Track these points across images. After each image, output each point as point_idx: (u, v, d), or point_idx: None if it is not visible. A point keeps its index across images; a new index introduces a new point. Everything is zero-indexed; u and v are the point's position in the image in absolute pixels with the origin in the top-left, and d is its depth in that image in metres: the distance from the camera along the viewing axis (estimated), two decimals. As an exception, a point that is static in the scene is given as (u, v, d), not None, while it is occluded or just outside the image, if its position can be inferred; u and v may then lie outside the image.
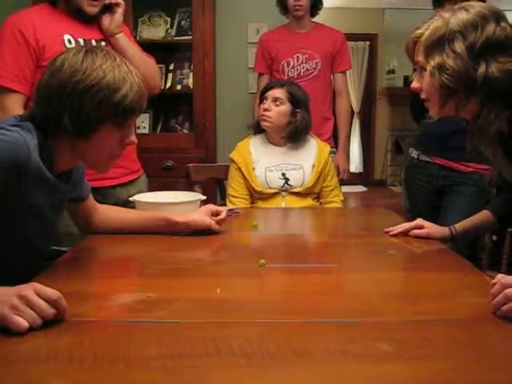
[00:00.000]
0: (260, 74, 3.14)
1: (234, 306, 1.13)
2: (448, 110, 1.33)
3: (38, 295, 0.94)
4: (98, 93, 1.25)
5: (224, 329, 1.00)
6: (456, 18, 1.29)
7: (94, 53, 1.28)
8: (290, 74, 3.00)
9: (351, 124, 3.25)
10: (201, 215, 1.68)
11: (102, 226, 1.68)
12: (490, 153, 1.45)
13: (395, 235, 1.67)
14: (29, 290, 0.94)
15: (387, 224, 1.75)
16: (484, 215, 1.69)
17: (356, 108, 8.18)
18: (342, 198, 2.47)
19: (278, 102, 2.35)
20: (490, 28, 1.25)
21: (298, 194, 2.33)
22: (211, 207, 1.73)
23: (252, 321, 1.04)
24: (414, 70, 1.46)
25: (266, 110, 2.34)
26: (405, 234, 1.67)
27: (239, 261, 1.50)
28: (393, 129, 8.06)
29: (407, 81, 7.78)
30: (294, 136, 2.37)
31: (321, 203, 2.41)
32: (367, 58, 8.10)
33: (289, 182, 2.32)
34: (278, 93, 2.36)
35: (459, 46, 1.27)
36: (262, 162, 2.34)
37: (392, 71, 7.92)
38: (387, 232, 1.69)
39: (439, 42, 1.29)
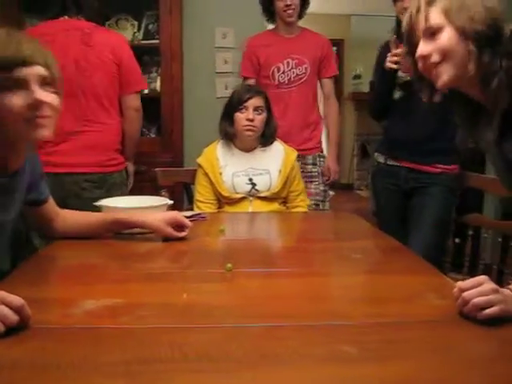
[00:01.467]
0: (245, 79, 3.09)
1: (201, 310, 1.13)
2: (464, 73, 1.30)
3: (1, 302, 0.92)
4: None
5: (190, 334, 1.00)
6: None
7: None
8: (280, 79, 2.98)
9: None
10: (162, 224, 1.66)
11: (63, 231, 1.67)
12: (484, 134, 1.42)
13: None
14: None
15: (353, 228, 1.77)
16: None
17: (323, 113, 8.23)
18: (308, 202, 2.50)
19: (259, 111, 2.36)
20: None
21: (264, 198, 2.34)
22: (176, 218, 1.69)
23: (218, 325, 1.04)
24: (409, 55, 1.42)
25: (250, 120, 2.32)
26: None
27: (206, 265, 1.49)
28: (359, 133, 8.16)
29: (373, 86, 7.90)
30: (268, 141, 2.41)
31: (287, 207, 2.43)
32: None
33: (256, 187, 2.33)
34: (258, 101, 2.35)
35: (490, 2, 1.28)
36: (229, 167, 2.34)
37: (358, 76, 8.02)
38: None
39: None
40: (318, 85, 3.12)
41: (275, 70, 2.98)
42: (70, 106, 2.30)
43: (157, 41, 3.34)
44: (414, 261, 1.51)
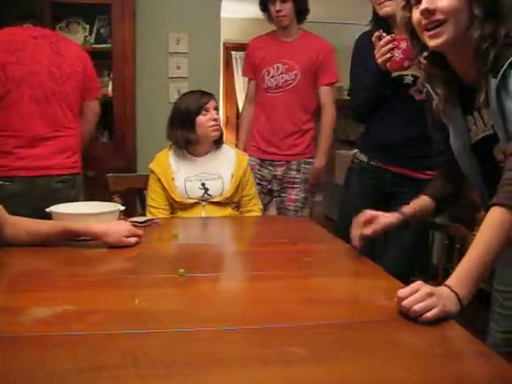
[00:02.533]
0: (249, 80, 3.13)
1: (152, 316, 1.13)
2: (461, 36, 1.31)
3: None
4: None
5: (142, 339, 1.00)
6: None
7: None
8: (269, 83, 2.97)
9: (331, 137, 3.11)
10: (115, 235, 1.65)
11: (13, 239, 1.64)
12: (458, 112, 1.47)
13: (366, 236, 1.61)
14: None
15: (306, 232, 1.80)
16: (424, 200, 1.69)
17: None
18: (260, 206, 2.52)
19: (217, 111, 2.40)
20: None
21: (217, 203, 2.35)
22: (127, 228, 1.70)
23: (169, 330, 1.05)
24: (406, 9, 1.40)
25: (215, 119, 2.35)
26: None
27: (159, 271, 1.50)
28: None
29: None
30: (220, 145, 2.44)
31: (240, 212, 2.45)
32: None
33: (208, 192, 2.34)
34: (214, 102, 2.40)
35: None
36: (182, 172, 2.35)
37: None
38: (355, 246, 1.62)
39: None
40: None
41: (265, 73, 2.98)
42: (44, 112, 2.43)
43: (109, 45, 3.32)
44: (363, 264, 1.55)
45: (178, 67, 3.68)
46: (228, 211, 2.37)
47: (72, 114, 2.57)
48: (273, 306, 1.21)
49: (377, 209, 1.71)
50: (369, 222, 1.60)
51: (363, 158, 2.36)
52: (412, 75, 2.11)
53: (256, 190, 2.53)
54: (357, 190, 2.37)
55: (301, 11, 2.96)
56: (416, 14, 1.34)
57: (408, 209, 1.66)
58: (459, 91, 1.44)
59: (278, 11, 2.88)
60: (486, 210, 1.22)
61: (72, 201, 2.36)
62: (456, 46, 1.34)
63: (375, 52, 2.05)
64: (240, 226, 2.29)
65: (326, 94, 3.03)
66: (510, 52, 1.27)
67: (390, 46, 1.99)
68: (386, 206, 2.08)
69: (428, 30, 1.33)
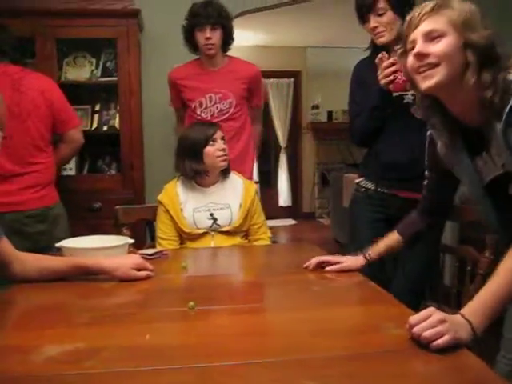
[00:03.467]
0: (177, 109, 3.11)
1: (165, 351, 1.13)
2: (453, 81, 1.34)
3: None
4: None
5: (154, 376, 1.00)
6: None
7: None
8: (203, 114, 2.92)
9: (259, 149, 3.21)
10: (124, 269, 1.66)
11: (22, 275, 1.64)
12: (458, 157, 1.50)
13: (313, 269, 1.77)
14: None
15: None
16: (393, 237, 1.83)
17: (283, 143, 8.35)
18: (269, 234, 2.52)
19: (224, 141, 2.42)
20: None
21: (226, 232, 2.35)
22: (137, 263, 1.70)
23: (183, 366, 1.05)
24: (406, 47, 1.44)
25: (223, 149, 2.37)
26: (320, 267, 1.78)
27: (168, 304, 1.50)
28: (319, 162, 8.28)
29: (331, 115, 8.07)
30: (226, 174, 2.45)
31: (249, 240, 2.45)
32: (292, 93, 8.33)
33: (217, 222, 2.35)
34: (221, 132, 2.41)
35: (488, 25, 1.35)
36: (190, 203, 2.36)
37: (316, 106, 8.16)
38: (306, 267, 1.78)
39: (472, 15, 1.34)
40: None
41: (197, 105, 2.93)
42: (8, 149, 2.42)
43: (115, 78, 3.36)
44: (372, 291, 1.55)
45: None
46: (237, 240, 2.37)
47: (37, 149, 2.61)
48: (285, 338, 1.20)
49: (377, 234, 1.88)
50: (327, 262, 1.78)
51: (370, 185, 2.33)
52: (412, 94, 2.12)
53: (264, 219, 2.53)
54: (366, 219, 2.33)
55: (228, 40, 2.96)
56: (410, 58, 1.38)
57: (374, 252, 1.81)
58: (463, 134, 1.45)
59: (207, 39, 2.84)
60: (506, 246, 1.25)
61: (44, 235, 2.51)
62: (453, 91, 1.36)
63: (378, 73, 2.10)
64: (249, 255, 2.29)
65: (253, 114, 3.10)
66: (507, 96, 1.30)
67: (393, 68, 2.04)
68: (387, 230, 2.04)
69: (420, 73, 1.36)
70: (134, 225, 2.60)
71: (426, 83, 1.35)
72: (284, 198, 8.42)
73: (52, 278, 1.65)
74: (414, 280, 2.23)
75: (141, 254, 1.90)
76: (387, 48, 2.20)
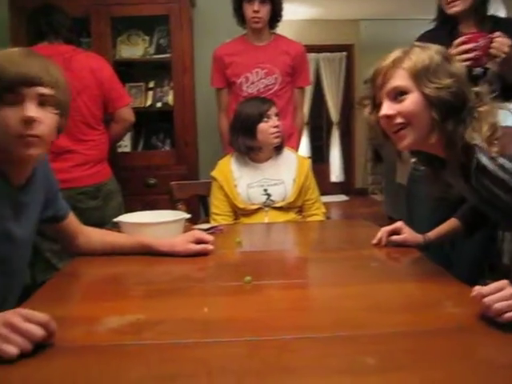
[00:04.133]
0: (218, 90, 3.08)
1: (222, 324, 1.15)
2: (426, 138, 1.35)
3: (28, 320, 0.95)
4: None
5: (213, 348, 1.02)
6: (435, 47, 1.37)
7: None
8: (249, 90, 2.91)
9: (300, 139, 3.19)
10: (184, 243, 1.68)
11: (86, 248, 1.70)
12: (453, 181, 1.51)
13: (382, 245, 1.73)
14: (14, 316, 0.95)
15: (368, 236, 1.78)
16: (453, 223, 1.74)
17: (335, 118, 8.26)
18: (323, 210, 2.50)
19: (279, 117, 2.40)
20: None
21: (280, 208, 2.36)
22: (196, 235, 1.72)
23: (240, 339, 1.06)
24: (374, 103, 1.43)
25: (277, 126, 2.36)
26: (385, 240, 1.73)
27: (225, 278, 1.52)
28: (372, 138, 8.14)
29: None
30: (281, 150, 2.44)
31: (303, 216, 2.45)
32: (344, 68, 8.20)
33: (271, 198, 2.35)
34: (275, 108, 2.40)
35: (456, 67, 1.35)
36: (244, 178, 2.37)
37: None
38: (376, 244, 1.74)
39: (432, 65, 1.32)
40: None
41: (243, 80, 2.92)
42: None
43: (168, 55, 3.38)
44: (430, 268, 1.52)
45: (236, 74, 3.70)
46: (291, 216, 2.37)
47: (88, 127, 2.67)
48: (341, 313, 1.20)
49: (442, 220, 1.77)
50: (393, 232, 1.73)
51: None
52: (482, 67, 2.04)
53: (318, 194, 2.51)
54: (419, 199, 2.28)
55: (276, 16, 2.94)
56: (381, 118, 1.38)
57: (433, 234, 1.74)
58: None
59: (255, 12, 2.82)
60: None
61: (97, 210, 2.58)
62: (429, 143, 1.37)
63: (451, 50, 1.96)
64: (304, 231, 2.29)
65: (297, 97, 3.06)
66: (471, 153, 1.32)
67: (470, 45, 1.93)
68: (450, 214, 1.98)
69: (393, 133, 1.37)
70: (188, 200, 2.63)
71: (401, 144, 1.38)
72: (336, 173, 8.35)
73: (114, 252, 1.69)
74: (473, 259, 2.18)
75: (196, 229, 1.92)
76: (457, 20, 2.11)
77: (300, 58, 2.99)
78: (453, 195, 1.54)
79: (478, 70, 2.05)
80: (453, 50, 1.97)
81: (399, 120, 1.35)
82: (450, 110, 1.31)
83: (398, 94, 1.34)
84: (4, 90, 1.29)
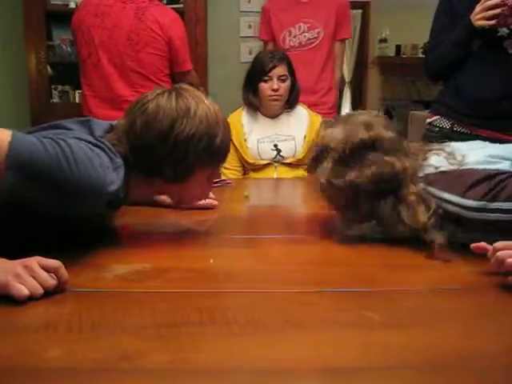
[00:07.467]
0: (265, 42, 3.17)
1: (227, 275, 1.16)
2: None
3: (40, 266, 0.97)
4: (200, 141, 1.25)
5: (218, 298, 1.03)
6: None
7: (182, 96, 1.29)
8: (291, 43, 3.02)
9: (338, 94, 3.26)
10: None
11: None
12: None
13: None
14: (33, 261, 0.98)
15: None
16: None
17: (347, 77, 8.13)
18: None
19: (283, 78, 2.34)
20: None
21: (289, 164, 2.34)
22: None
23: (245, 291, 1.06)
24: None
25: (275, 89, 2.31)
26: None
27: (231, 231, 1.52)
28: (384, 98, 8.04)
29: (399, 50, 7.75)
30: (293, 105, 2.41)
31: (312, 173, 2.43)
32: (359, 26, 8.03)
33: (281, 153, 2.33)
34: (281, 70, 2.33)
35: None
36: (254, 133, 2.35)
37: (384, 40, 7.82)
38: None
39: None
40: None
41: (287, 34, 3.02)
42: (121, 76, 2.53)
43: (181, 5, 3.32)
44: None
45: (250, 26, 3.65)
46: (300, 172, 2.36)
47: (149, 81, 2.59)
48: (349, 269, 1.20)
49: None
50: None
51: (445, 124, 2.15)
52: (508, 27, 1.97)
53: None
54: None
55: None
56: None
57: None
58: None
59: None
60: None
61: None
62: None
63: (477, 6, 1.91)
64: (312, 188, 2.27)
65: (337, 49, 3.13)
66: None
67: (498, 1, 1.86)
68: None
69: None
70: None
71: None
72: (346, 133, 8.28)
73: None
74: None
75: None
76: None
77: (343, 9, 3.09)
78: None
79: (503, 31, 1.98)
80: (478, 7, 1.92)
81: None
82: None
83: None
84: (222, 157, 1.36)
